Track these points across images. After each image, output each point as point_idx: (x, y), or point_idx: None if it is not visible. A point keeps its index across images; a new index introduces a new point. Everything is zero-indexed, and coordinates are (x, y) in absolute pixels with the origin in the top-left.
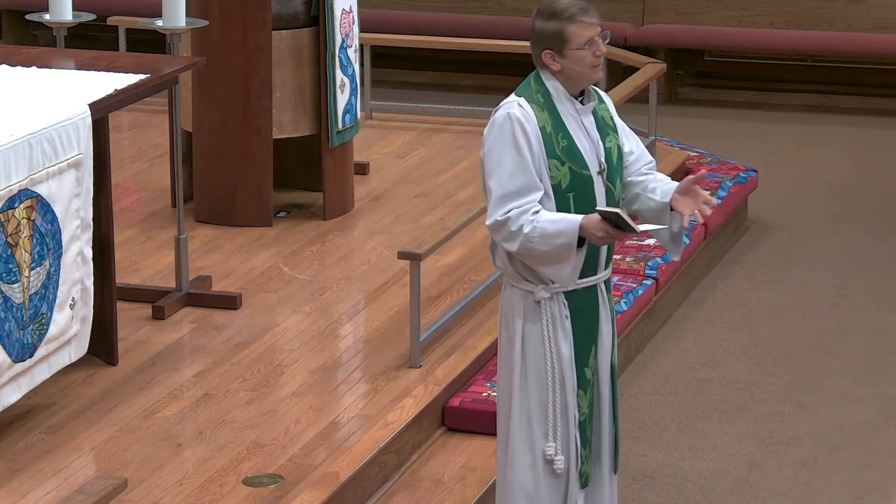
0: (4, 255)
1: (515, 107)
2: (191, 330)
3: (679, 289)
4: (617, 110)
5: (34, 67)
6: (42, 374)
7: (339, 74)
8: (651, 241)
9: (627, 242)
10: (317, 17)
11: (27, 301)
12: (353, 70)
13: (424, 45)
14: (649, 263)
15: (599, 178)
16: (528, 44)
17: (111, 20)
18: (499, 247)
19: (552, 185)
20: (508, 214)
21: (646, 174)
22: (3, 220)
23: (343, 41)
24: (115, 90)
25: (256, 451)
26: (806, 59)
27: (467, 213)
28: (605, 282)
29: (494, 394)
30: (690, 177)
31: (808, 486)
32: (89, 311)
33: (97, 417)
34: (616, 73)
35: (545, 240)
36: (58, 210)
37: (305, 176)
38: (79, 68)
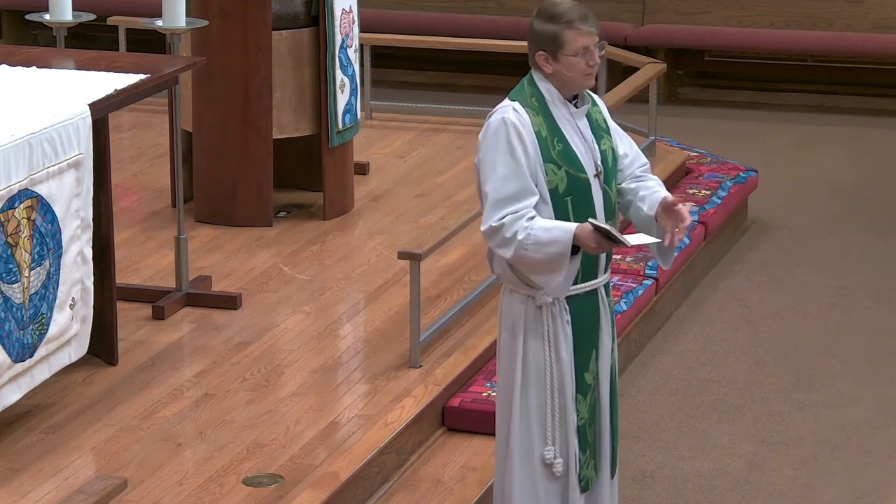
0: (4, 255)
1: (510, 111)
2: (191, 330)
3: (679, 289)
4: (617, 110)
5: (34, 67)
6: (42, 374)
7: (339, 74)
8: None
9: None
10: (317, 17)
11: (27, 301)
12: (353, 70)
13: (424, 45)
14: (649, 263)
15: (596, 181)
16: (527, 43)
17: (111, 20)
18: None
19: (549, 190)
20: (503, 221)
21: (639, 179)
22: (3, 220)
23: (343, 41)
24: (115, 90)
25: (256, 451)
26: (806, 59)
27: (467, 213)
28: (604, 286)
29: (494, 394)
30: (670, 200)
31: (808, 486)
32: (89, 311)
33: (97, 417)
34: (616, 73)
35: (538, 247)
36: (58, 210)
37: (305, 176)
38: (79, 68)
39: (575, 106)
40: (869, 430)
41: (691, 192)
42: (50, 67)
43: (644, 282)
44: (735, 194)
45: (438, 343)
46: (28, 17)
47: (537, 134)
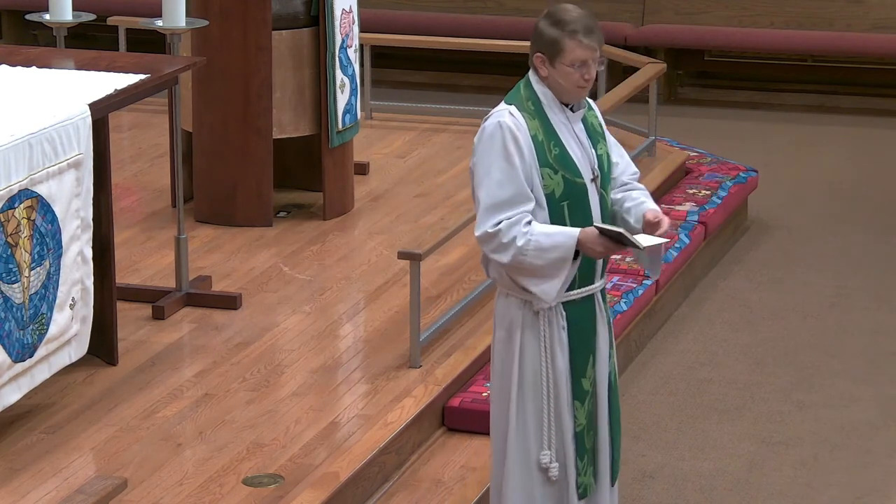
0: (4, 255)
1: (506, 115)
2: (191, 330)
3: (679, 289)
4: (617, 110)
5: (34, 67)
6: (42, 374)
7: (339, 74)
8: None
9: None
10: (317, 17)
11: (27, 301)
12: (353, 70)
13: (424, 45)
14: None
15: (593, 186)
16: (528, 44)
17: (111, 20)
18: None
19: (545, 195)
20: (499, 226)
21: (625, 188)
22: (3, 220)
23: (343, 41)
24: (115, 90)
25: (256, 451)
26: (806, 59)
27: (467, 213)
28: (601, 291)
29: None
30: (651, 215)
31: (808, 486)
32: (89, 311)
33: (97, 417)
34: (616, 73)
35: (539, 253)
36: (58, 210)
37: (305, 176)
38: (79, 68)
39: (571, 110)
40: (869, 430)
41: (691, 192)
42: (50, 67)
43: (644, 282)
44: (735, 194)
45: (438, 343)
46: (28, 17)
47: (533, 138)
